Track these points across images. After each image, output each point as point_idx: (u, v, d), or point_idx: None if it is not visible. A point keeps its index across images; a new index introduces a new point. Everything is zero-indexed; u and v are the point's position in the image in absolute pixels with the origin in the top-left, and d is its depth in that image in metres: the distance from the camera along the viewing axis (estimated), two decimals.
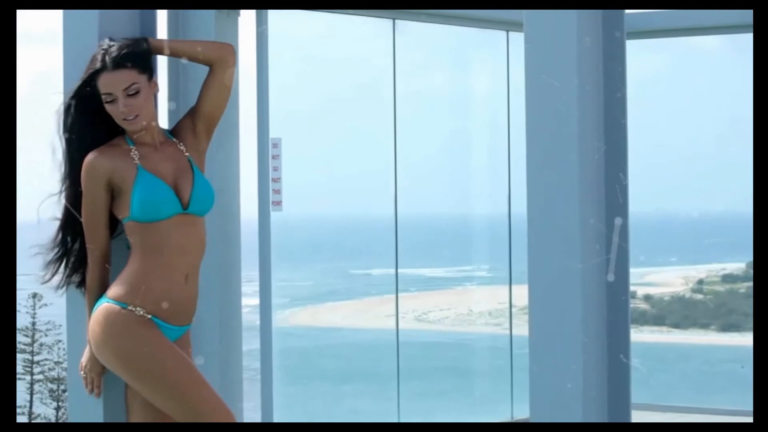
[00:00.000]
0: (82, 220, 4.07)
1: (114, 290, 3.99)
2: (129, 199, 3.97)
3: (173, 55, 4.13)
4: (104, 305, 3.98)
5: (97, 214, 4.05)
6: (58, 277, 4.18)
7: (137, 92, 3.95)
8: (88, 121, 4.05)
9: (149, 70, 4.02)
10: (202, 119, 4.15)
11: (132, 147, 4.03)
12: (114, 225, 4.12)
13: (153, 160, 4.03)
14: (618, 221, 3.75)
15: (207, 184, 4.10)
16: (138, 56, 3.98)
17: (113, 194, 4.02)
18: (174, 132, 4.17)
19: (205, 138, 4.18)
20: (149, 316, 3.96)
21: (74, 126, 4.05)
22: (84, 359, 4.18)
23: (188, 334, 4.18)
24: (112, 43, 3.99)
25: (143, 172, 3.98)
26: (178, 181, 4.04)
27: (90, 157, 4.01)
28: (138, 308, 3.96)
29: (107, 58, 3.94)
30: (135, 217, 3.98)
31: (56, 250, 4.15)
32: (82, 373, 4.20)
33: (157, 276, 3.98)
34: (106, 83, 3.95)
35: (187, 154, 4.11)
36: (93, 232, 4.07)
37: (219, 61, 4.09)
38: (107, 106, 3.98)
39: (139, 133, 4.04)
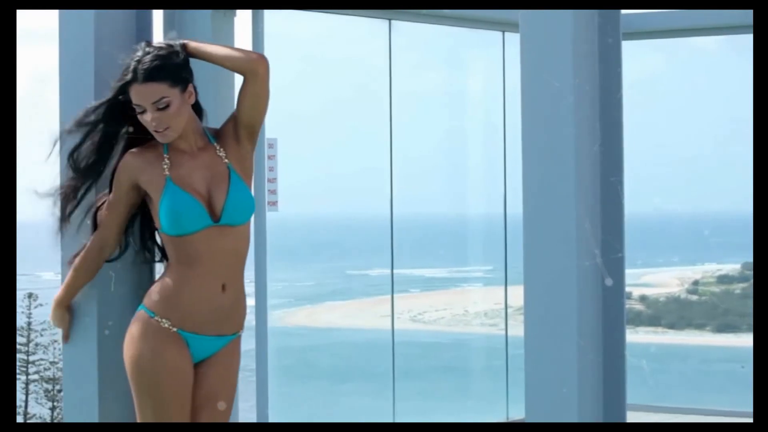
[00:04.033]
0: (104, 209, 4.08)
1: (149, 297, 4.00)
2: (158, 211, 3.95)
3: (207, 60, 4.04)
4: (139, 311, 4.01)
5: (113, 210, 4.04)
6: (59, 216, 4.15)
7: (167, 106, 3.88)
8: (118, 127, 4.03)
9: (183, 82, 3.93)
10: (242, 125, 4.04)
11: (165, 155, 3.99)
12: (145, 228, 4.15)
13: (185, 170, 3.97)
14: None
15: (243, 192, 4.01)
16: (170, 69, 3.90)
17: (146, 199, 4.02)
18: (218, 135, 4.08)
19: (248, 143, 4.07)
20: (174, 329, 3.96)
21: (103, 131, 4.03)
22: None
23: (236, 342, 4.15)
24: (148, 50, 3.91)
25: (171, 184, 3.93)
26: (212, 190, 3.97)
27: (127, 155, 4.01)
28: (164, 320, 3.95)
29: (139, 69, 3.88)
30: (164, 230, 3.96)
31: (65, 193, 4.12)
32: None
33: (189, 288, 3.95)
34: (136, 95, 3.90)
35: (226, 160, 4.02)
36: (104, 223, 4.07)
37: (249, 72, 3.98)
38: (139, 116, 3.94)
39: (175, 140, 3.98)
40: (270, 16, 5.99)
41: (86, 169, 4.08)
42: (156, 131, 3.92)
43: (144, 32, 4.44)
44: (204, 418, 4.05)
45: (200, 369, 4.04)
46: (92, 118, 4.03)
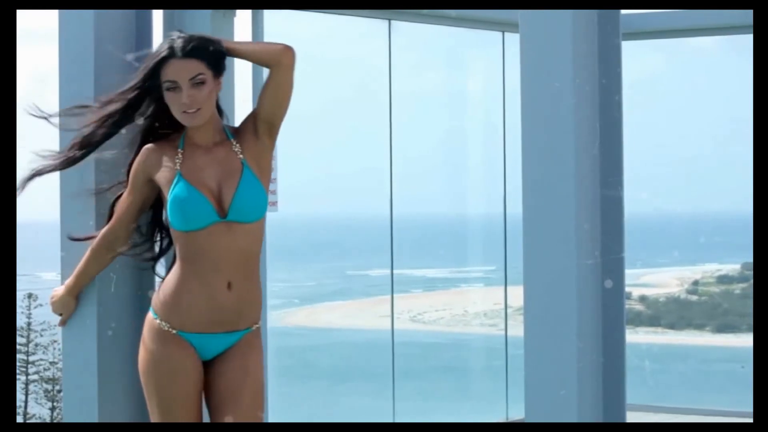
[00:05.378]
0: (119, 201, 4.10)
1: (155, 297, 4.01)
2: (167, 206, 3.95)
3: (235, 56, 4.05)
4: (148, 312, 4.02)
5: (127, 203, 4.05)
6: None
7: (203, 83, 3.87)
8: (132, 118, 4.03)
9: (216, 69, 3.93)
10: (262, 120, 4.02)
11: (180, 150, 3.98)
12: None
13: (196, 166, 3.95)
14: None
15: (254, 189, 3.96)
16: (208, 51, 3.90)
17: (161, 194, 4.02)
18: (236, 131, 4.06)
19: (267, 138, 4.05)
20: (174, 331, 3.95)
21: (118, 119, 4.03)
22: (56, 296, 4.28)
23: (251, 336, 4.06)
24: (182, 35, 3.92)
25: (180, 179, 3.91)
26: (223, 187, 3.93)
27: (147, 147, 4.00)
28: (164, 323, 3.95)
29: (176, 46, 3.87)
30: (172, 225, 3.95)
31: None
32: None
33: (191, 287, 3.93)
34: (172, 70, 3.88)
35: (241, 156, 3.99)
36: (118, 215, 4.08)
37: (275, 64, 3.96)
38: (168, 95, 3.91)
39: (193, 132, 3.97)
40: (270, 16, 5.98)
41: (84, 146, 4.09)
42: (186, 112, 3.89)
43: (144, 32, 4.45)
44: (228, 412, 3.99)
45: (216, 366, 4.01)
46: (116, 105, 4.02)
